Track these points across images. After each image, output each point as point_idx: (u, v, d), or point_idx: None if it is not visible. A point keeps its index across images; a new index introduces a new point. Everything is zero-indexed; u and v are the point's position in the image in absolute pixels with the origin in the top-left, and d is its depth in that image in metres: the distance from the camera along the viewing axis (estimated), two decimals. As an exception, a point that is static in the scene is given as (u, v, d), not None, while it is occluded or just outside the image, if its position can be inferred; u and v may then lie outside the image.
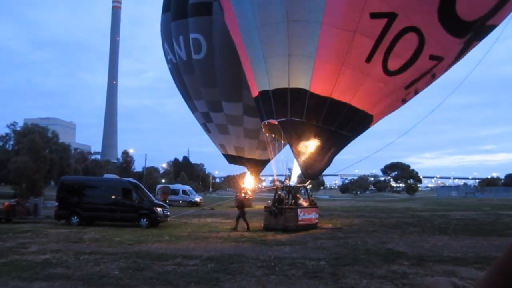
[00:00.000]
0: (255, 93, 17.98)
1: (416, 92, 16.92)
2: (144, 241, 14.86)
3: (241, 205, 20.42)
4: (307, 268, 10.11)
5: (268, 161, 31.84)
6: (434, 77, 16.50)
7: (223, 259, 11.24)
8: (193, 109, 30.11)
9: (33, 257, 11.53)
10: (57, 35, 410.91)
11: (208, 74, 25.64)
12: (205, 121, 29.94)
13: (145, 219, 20.44)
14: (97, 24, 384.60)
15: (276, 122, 17.05)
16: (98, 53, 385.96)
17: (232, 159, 32.34)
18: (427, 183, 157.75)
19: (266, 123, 17.86)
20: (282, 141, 20.60)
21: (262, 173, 37.08)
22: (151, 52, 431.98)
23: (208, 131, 31.12)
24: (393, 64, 14.28)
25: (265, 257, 11.59)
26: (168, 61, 29.03)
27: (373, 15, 13.34)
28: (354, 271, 9.80)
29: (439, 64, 14.89)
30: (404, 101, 17.24)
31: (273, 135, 20.15)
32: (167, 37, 27.75)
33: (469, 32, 14.16)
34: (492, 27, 15.47)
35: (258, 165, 32.64)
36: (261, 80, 17.06)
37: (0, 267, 10.09)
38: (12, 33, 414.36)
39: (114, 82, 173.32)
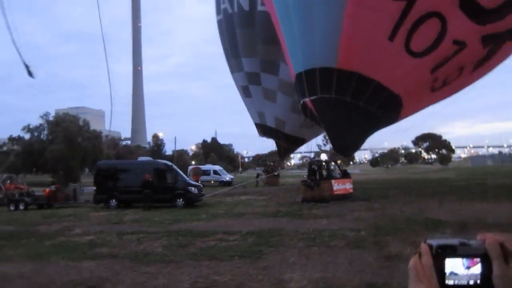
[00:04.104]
0: (293, 76, 18.43)
1: (445, 83, 16.69)
2: (183, 220, 15.11)
3: (149, 185, 20.25)
4: (348, 239, 10.05)
5: (304, 141, 29.68)
6: (461, 72, 16.17)
7: (263, 233, 11.31)
8: (236, 68, 27.56)
9: (78, 238, 11.92)
10: (81, 27, 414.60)
11: (273, 29, 21.78)
12: (250, 83, 27.17)
13: (180, 199, 20.80)
14: (119, 14, 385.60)
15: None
16: (121, 42, 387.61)
17: (267, 132, 29.38)
18: (459, 153, 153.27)
19: (302, 103, 18.07)
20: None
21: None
22: (173, 37, 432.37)
23: (248, 95, 28.34)
24: (416, 46, 14.54)
25: (304, 230, 11.59)
26: (220, 11, 26.49)
27: None
28: (396, 240, 9.66)
29: (463, 50, 14.74)
30: (433, 90, 17.07)
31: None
32: None
33: (491, 21, 13.92)
34: None
35: (295, 143, 30.30)
36: (295, 63, 17.68)
37: (50, 248, 10.48)
38: (38, 28, 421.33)
39: (139, 68, 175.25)
